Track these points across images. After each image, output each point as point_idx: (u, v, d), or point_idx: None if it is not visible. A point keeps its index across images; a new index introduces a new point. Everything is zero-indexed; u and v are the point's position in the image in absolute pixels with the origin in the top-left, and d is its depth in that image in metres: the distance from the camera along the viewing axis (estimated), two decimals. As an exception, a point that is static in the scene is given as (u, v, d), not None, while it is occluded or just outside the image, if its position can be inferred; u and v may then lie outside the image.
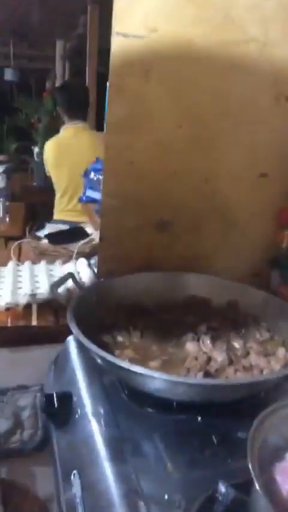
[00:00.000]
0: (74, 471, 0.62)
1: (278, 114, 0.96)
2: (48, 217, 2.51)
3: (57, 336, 0.92)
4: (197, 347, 0.77)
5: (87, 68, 3.17)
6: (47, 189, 2.69)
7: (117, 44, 0.82)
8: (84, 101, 2.51)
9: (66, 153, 2.40)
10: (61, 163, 2.42)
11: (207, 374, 0.69)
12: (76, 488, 0.59)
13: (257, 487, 0.42)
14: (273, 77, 0.92)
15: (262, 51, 0.89)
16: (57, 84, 4.37)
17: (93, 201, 1.89)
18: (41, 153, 3.18)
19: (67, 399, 0.73)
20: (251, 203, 1.02)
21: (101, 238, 0.96)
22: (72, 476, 0.62)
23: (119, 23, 0.80)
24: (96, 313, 0.84)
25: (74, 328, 0.69)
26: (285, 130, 0.98)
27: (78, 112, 2.42)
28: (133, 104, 0.87)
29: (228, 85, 0.91)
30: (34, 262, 1.39)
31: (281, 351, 0.76)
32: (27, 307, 1.11)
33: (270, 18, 0.87)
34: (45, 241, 1.61)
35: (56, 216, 2.48)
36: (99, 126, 2.79)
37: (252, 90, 0.92)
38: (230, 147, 0.96)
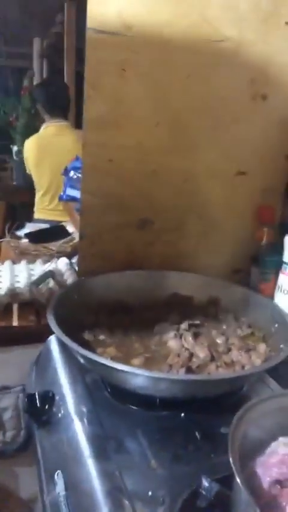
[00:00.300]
0: (58, 471, 0.62)
1: (256, 112, 0.97)
2: (29, 216, 2.49)
3: (39, 335, 0.91)
4: (179, 344, 0.78)
5: (65, 66, 3.14)
6: (27, 188, 2.66)
7: (91, 41, 0.81)
8: (64, 99, 2.49)
9: (48, 151, 2.38)
10: (42, 161, 2.39)
11: (189, 370, 0.70)
12: (60, 488, 0.59)
13: (238, 480, 0.42)
14: (250, 76, 0.94)
15: (237, 51, 0.90)
16: (35, 82, 4.32)
17: (73, 199, 1.88)
18: (19, 152, 3.14)
19: (49, 399, 0.73)
20: (230, 201, 1.03)
21: (81, 237, 0.96)
22: (55, 476, 0.61)
23: (93, 19, 0.80)
24: (78, 312, 0.84)
25: (54, 327, 0.68)
26: (262, 129, 0.99)
27: (59, 110, 2.40)
28: (110, 101, 0.87)
29: (206, 84, 0.92)
30: (14, 262, 1.38)
31: (261, 346, 0.77)
32: (8, 307, 1.10)
33: (244, 18, 0.88)
34: (26, 240, 1.60)
35: (37, 215, 2.45)
36: (78, 124, 2.77)
37: (229, 89, 0.93)
38: (208, 146, 0.97)
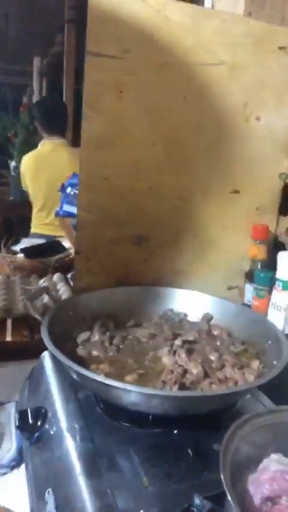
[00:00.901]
0: (49, 489, 0.61)
1: (249, 133, 1.00)
2: (25, 231, 2.50)
3: (32, 351, 0.91)
4: (172, 360, 0.78)
5: (64, 84, 3.20)
6: (24, 203, 2.68)
7: (90, 63, 0.84)
8: (62, 117, 2.53)
9: (45, 168, 2.41)
10: (39, 177, 2.42)
11: (182, 386, 0.70)
12: (50, 506, 0.59)
13: (229, 499, 0.42)
14: (243, 99, 0.96)
15: (231, 74, 0.93)
16: (34, 99, 4.39)
17: (69, 215, 1.89)
18: (17, 167, 3.16)
19: (42, 415, 0.73)
20: (224, 219, 1.05)
21: (76, 252, 0.97)
22: (46, 494, 0.61)
23: (92, 43, 0.83)
24: (72, 328, 0.84)
25: (48, 342, 0.68)
26: (256, 149, 1.01)
27: (57, 128, 2.45)
28: (107, 121, 0.89)
29: (200, 106, 0.94)
30: (9, 277, 1.38)
31: (255, 363, 0.78)
32: (2, 322, 1.10)
33: (238, 42, 0.91)
34: (21, 255, 1.60)
35: (33, 230, 2.47)
36: (76, 142, 2.80)
37: (223, 111, 0.96)
38: (203, 165, 0.99)
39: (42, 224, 2.43)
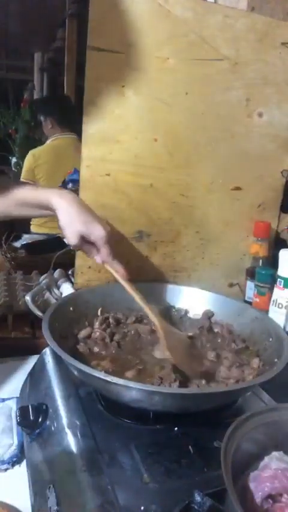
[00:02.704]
0: (50, 485, 0.61)
1: (251, 129, 0.99)
2: (26, 227, 2.49)
3: (34, 347, 0.91)
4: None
5: (65, 80, 3.18)
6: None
7: (91, 58, 0.83)
8: (75, 113, 2.54)
9: (64, 162, 2.40)
10: (58, 172, 2.39)
11: (182, 384, 0.70)
12: (52, 502, 0.59)
13: (231, 496, 0.42)
14: (246, 94, 0.96)
15: (234, 70, 0.92)
16: (35, 95, 4.37)
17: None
18: (18, 163, 3.15)
19: (43, 411, 0.73)
20: (226, 215, 1.05)
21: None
22: (47, 489, 0.61)
23: (94, 38, 0.82)
24: (73, 324, 0.84)
25: (49, 339, 0.68)
26: (258, 145, 1.01)
27: (70, 123, 2.45)
28: (109, 117, 0.88)
29: (203, 102, 0.94)
30: (10, 273, 1.38)
31: (255, 361, 0.77)
32: (3, 318, 1.10)
33: (241, 37, 0.91)
34: (22, 251, 1.60)
35: (33, 229, 2.42)
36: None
37: (226, 107, 0.95)
38: (205, 162, 0.98)
39: (41, 223, 2.40)
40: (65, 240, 1.80)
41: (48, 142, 2.51)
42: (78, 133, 2.57)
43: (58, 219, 0.79)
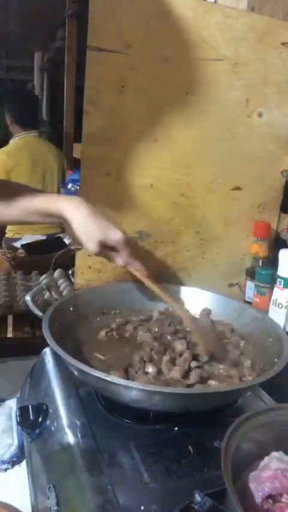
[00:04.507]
0: (50, 485, 0.62)
1: (251, 129, 0.99)
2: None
3: (34, 347, 0.91)
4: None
5: (65, 80, 3.18)
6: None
7: (91, 58, 0.83)
8: (35, 109, 2.50)
9: (40, 161, 2.38)
10: (36, 171, 2.38)
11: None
12: (52, 502, 0.59)
13: (230, 495, 0.42)
14: (246, 94, 0.96)
15: (234, 70, 0.92)
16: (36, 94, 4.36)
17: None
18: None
19: (43, 411, 0.73)
20: (226, 215, 1.04)
21: (78, 248, 0.96)
22: (47, 489, 0.61)
23: (94, 37, 0.82)
24: (73, 324, 0.84)
25: (49, 339, 0.68)
26: (258, 145, 1.01)
27: (31, 121, 2.42)
28: (109, 117, 0.88)
29: (203, 102, 0.94)
30: (10, 273, 1.38)
31: (247, 362, 0.77)
32: (3, 318, 1.10)
33: (241, 37, 0.91)
34: (22, 251, 1.60)
35: (20, 231, 2.27)
36: (77, 138, 2.80)
37: (226, 107, 0.95)
38: (205, 162, 0.98)
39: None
40: (65, 240, 1.80)
41: (13, 141, 2.40)
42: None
43: (73, 229, 0.80)
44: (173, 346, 0.78)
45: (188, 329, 0.85)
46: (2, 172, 2.28)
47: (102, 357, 0.76)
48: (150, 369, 0.71)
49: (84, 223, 0.78)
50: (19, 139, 2.39)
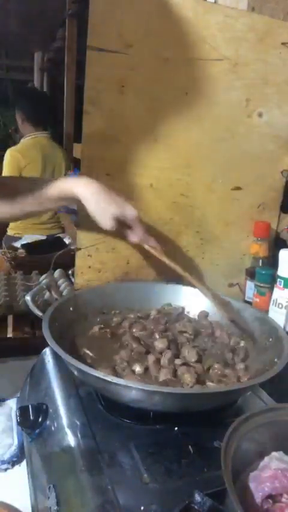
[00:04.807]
0: (50, 485, 0.62)
1: (251, 129, 0.99)
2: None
3: (34, 347, 0.91)
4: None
5: (65, 80, 3.18)
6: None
7: (91, 58, 0.83)
8: (47, 109, 2.51)
9: (50, 161, 2.41)
10: (46, 171, 2.40)
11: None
12: (52, 502, 0.59)
13: (230, 495, 0.42)
14: (246, 94, 0.96)
15: (234, 70, 0.92)
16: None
17: (72, 211, 1.89)
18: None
19: (43, 411, 0.73)
20: (226, 215, 1.05)
21: (78, 248, 0.96)
22: (47, 489, 0.61)
23: (94, 37, 0.82)
24: (73, 324, 0.84)
25: (49, 339, 0.68)
26: (258, 145, 1.01)
27: (43, 121, 2.43)
28: (109, 117, 0.88)
29: (203, 102, 0.94)
30: (10, 273, 1.38)
31: (239, 365, 0.77)
32: (3, 318, 1.10)
33: (241, 38, 0.91)
34: (22, 251, 1.60)
35: (19, 232, 2.33)
36: (77, 138, 2.80)
37: (226, 107, 0.95)
38: (205, 162, 0.98)
39: (38, 223, 2.35)
40: (65, 240, 1.80)
41: (26, 139, 2.41)
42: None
43: (86, 207, 0.79)
44: (154, 345, 0.78)
45: (204, 322, 0.86)
46: (14, 169, 2.31)
47: (90, 354, 0.76)
48: (137, 368, 0.71)
49: (98, 200, 0.78)
50: (30, 139, 2.41)
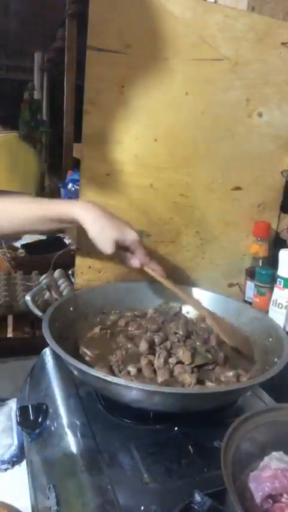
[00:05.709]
0: (50, 485, 0.62)
1: (251, 129, 0.99)
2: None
3: (34, 347, 0.91)
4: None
5: (65, 80, 3.18)
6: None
7: (91, 58, 0.83)
8: (16, 110, 2.49)
9: (20, 160, 2.35)
10: (16, 171, 2.33)
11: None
12: (52, 502, 0.59)
13: (230, 495, 0.42)
14: (246, 94, 0.96)
15: (234, 70, 0.92)
16: (36, 95, 4.37)
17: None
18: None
19: (43, 411, 0.73)
20: (226, 215, 1.04)
21: (77, 248, 0.96)
22: (47, 489, 0.61)
23: (94, 37, 0.82)
24: (73, 324, 0.84)
25: (49, 339, 0.68)
26: (258, 145, 1.01)
27: (7, 119, 2.40)
28: (108, 117, 0.88)
29: (203, 102, 0.94)
30: (10, 273, 1.38)
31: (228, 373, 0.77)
32: (3, 318, 1.10)
33: (240, 38, 0.91)
34: (22, 251, 1.60)
35: None
36: (77, 138, 2.79)
37: (226, 107, 0.95)
38: (205, 162, 0.98)
39: None
40: (65, 240, 1.80)
41: None
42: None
43: (87, 231, 0.79)
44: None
45: (203, 326, 0.86)
46: None
47: (88, 352, 0.76)
48: (131, 369, 0.71)
49: (99, 224, 0.78)
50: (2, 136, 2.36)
